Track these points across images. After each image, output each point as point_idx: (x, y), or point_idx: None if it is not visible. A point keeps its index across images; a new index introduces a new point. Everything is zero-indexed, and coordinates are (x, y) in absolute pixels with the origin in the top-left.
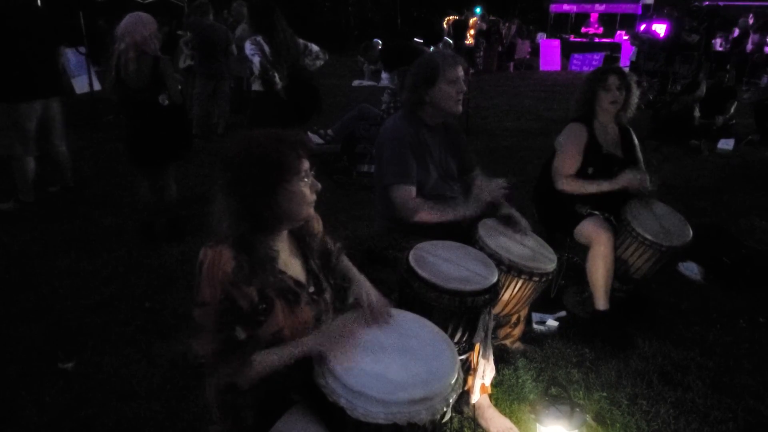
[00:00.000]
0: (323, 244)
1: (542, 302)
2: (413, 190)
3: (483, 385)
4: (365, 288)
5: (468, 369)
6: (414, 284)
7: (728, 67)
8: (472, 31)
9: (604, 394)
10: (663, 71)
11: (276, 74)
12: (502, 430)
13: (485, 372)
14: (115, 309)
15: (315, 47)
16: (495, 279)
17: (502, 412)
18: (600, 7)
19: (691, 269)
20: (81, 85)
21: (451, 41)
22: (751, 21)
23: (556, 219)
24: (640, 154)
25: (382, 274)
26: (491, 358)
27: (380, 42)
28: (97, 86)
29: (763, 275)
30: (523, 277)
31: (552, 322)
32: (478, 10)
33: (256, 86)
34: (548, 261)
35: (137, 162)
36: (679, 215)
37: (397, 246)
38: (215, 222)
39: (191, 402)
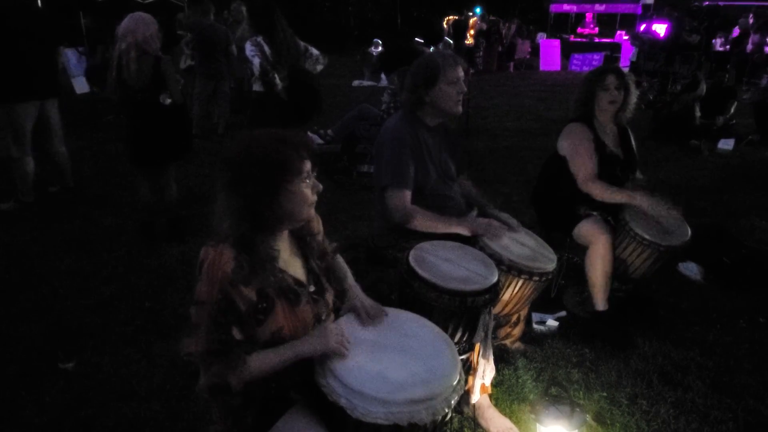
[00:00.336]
0: (321, 244)
1: (542, 302)
2: (409, 194)
3: (483, 385)
4: (359, 296)
5: (468, 369)
6: (414, 284)
7: (728, 67)
8: (472, 31)
9: (604, 394)
10: (663, 71)
11: (276, 75)
12: (502, 430)
13: (485, 372)
14: (115, 309)
15: (315, 51)
16: (495, 279)
17: (502, 412)
18: (600, 7)
19: (691, 269)
20: (81, 85)
21: (451, 41)
22: (751, 21)
23: (555, 219)
24: (636, 156)
25: (382, 274)
26: (491, 358)
27: (380, 42)
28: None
29: (763, 275)
30: (523, 276)
31: (552, 322)
32: (478, 10)
33: (256, 87)
34: (548, 261)
35: (137, 162)
36: (678, 215)
37: (397, 246)
38: (216, 221)
39: (191, 402)
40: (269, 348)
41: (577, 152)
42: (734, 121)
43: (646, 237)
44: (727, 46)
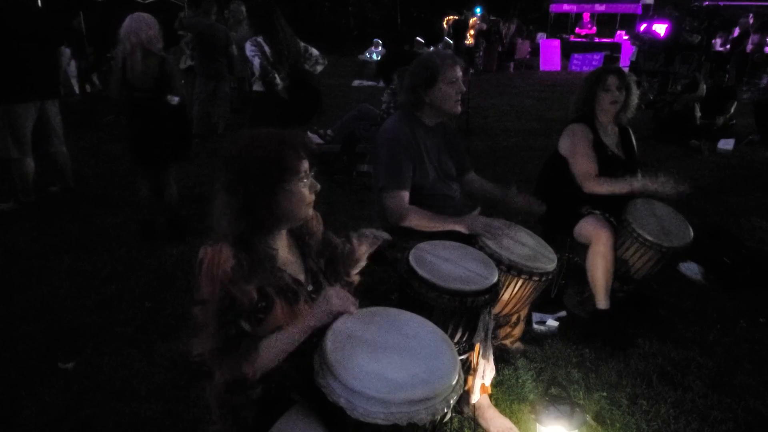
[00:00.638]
0: (325, 242)
1: (542, 302)
2: (406, 195)
3: (483, 385)
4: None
5: (468, 369)
6: (414, 284)
7: (728, 67)
8: (472, 31)
9: (604, 394)
10: (663, 71)
11: (276, 75)
12: (502, 430)
13: (485, 372)
14: (115, 309)
15: (315, 51)
16: (495, 279)
17: (502, 412)
18: (600, 7)
19: (691, 269)
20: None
21: (451, 41)
22: (751, 21)
23: (555, 219)
24: (637, 155)
25: (382, 274)
26: (491, 358)
27: (380, 42)
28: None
29: (764, 275)
30: (522, 276)
31: (552, 322)
32: (478, 10)
33: (257, 86)
34: (548, 261)
35: (139, 162)
36: (680, 216)
37: (397, 246)
38: (215, 220)
39: (191, 402)
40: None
41: (576, 152)
42: (734, 121)
43: (648, 238)
44: (727, 46)
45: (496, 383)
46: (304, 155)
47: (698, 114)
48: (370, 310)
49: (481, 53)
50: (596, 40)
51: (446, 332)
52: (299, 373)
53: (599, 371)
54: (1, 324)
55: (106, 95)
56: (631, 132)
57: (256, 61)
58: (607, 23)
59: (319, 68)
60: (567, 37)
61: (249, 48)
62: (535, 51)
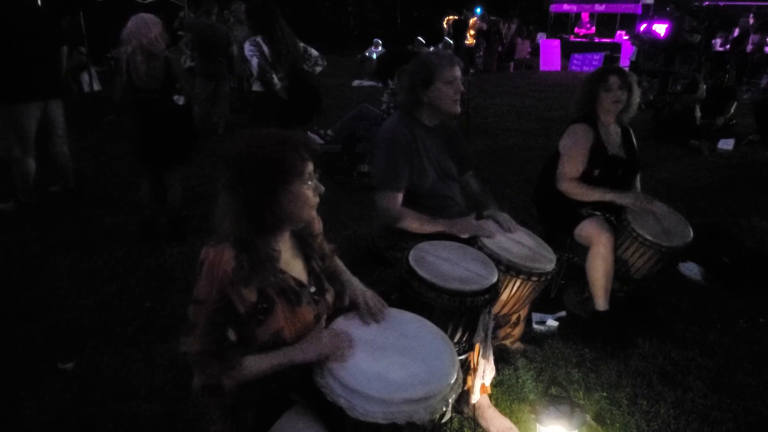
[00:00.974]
0: (320, 245)
1: (542, 302)
2: (399, 196)
3: (483, 385)
4: (359, 289)
5: (468, 369)
6: (414, 284)
7: (728, 67)
8: (472, 31)
9: (604, 394)
10: (663, 71)
11: (274, 75)
12: (502, 430)
13: (485, 372)
14: (115, 309)
15: (314, 52)
16: (495, 279)
17: (502, 412)
18: (600, 7)
19: (691, 269)
20: (89, 84)
21: (451, 41)
22: (751, 21)
23: (556, 219)
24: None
25: (382, 274)
26: (491, 358)
27: (380, 42)
28: (97, 86)
29: (763, 275)
30: (521, 276)
31: (552, 322)
32: (478, 10)
33: (256, 87)
34: (547, 261)
35: (145, 163)
36: (680, 216)
37: (397, 246)
38: (217, 221)
39: (191, 402)
40: (268, 350)
41: (570, 152)
42: (734, 121)
43: (648, 238)
44: (727, 46)
45: (496, 383)
46: (308, 157)
47: (698, 114)
48: (374, 309)
49: (481, 53)
50: (596, 40)
51: (446, 332)
52: (299, 373)
53: (599, 371)
54: (1, 324)
55: (105, 95)
56: (631, 132)
57: (255, 61)
58: (607, 23)
59: (319, 69)
60: (567, 37)
61: (248, 48)
62: (535, 51)
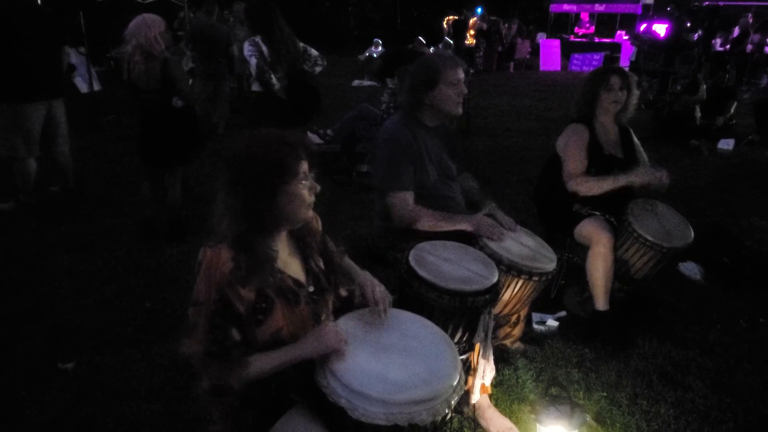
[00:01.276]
0: (323, 244)
1: (542, 302)
2: (410, 195)
3: (483, 385)
4: (369, 282)
5: (468, 369)
6: (414, 284)
7: (728, 67)
8: (472, 31)
9: (604, 394)
10: (663, 71)
11: (272, 76)
12: (502, 430)
13: (485, 372)
14: (115, 309)
15: (314, 52)
16: (495, 279)
17: (502, 412)
18: (600, 7)
19: (691, 269)
20: (81, 85)
21: (451, 41)
22: (750, 21)
23: (556, 219)
24: (644, 154)
25: (382, 274)
26: (491, 358)
27: (380, 42)
28: (97, 86)
29: (763, 275)
30: (522, 277)
31: (552, 322)
32: (478, 10)
33: (255, 87)
34: (548, 261)
35: (146, 163)
36: (681, 216)
37: (397, 246)
38: (215, 221)
39: (191, 402)
40: (269, 349)
41: (568, 152)
42: (734, 121)
43: (649, 238)
44: (727, 46)
45: (496, 383)
46: (304, 156)
47: (698, 114)
48: (370, 310)
49: (481, 53)
50: (596, 40)
51: (446, 332)
52: (299, 373)
53: (599, 371)
54: (1, 324)
55: (106, 95)
56: (632, 132)
57: (253, 61)
58: (606, 23)
59: (318, 69)
60: (567, 37)
61: (247, 48)
62: (535, 51)
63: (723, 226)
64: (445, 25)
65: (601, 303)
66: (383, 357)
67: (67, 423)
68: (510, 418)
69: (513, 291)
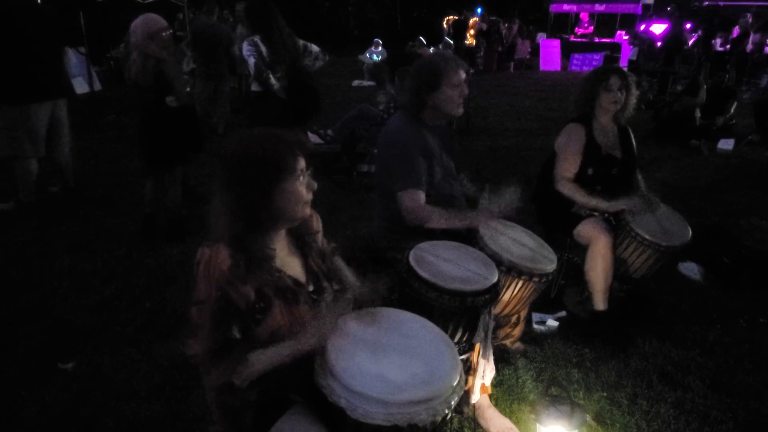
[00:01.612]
0: (320, 244)
1: (542, 302)
2: (422, 194)
3: (483, 385)
4: (354, 287)
5: (468, 369)
6: (414, 284)
7: (728, 67)
8: (472, 31)
9: (604, 394)
10: (663, 71)
11: (271, 76)
12: (502, 430)
13: (485, 372)
14: (115, 309)
15: (315, 48)
16: (495, 279)
17: (502, 412)
18: (600, 7)
19: (691, 269)
20: (81, 85)
21: (451, 41)
22: (750, 21)
23: (555, 219)
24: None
25: (382, 274)
26: (491, 358)
27: (380, 42)
28: (97, 86)
29: (763, 275)
30: (523, 277)
31: (552, 322)
32: (478, 10)
33: (254, 87)
34: (548, 261)
35: (145, 162)
36: (679, 215)
37: (397, 246)
38: (213, 220)
39: (191, 402)
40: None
41: (563, 152)
42: (734, 121)
43: (647, 237)
44: (727, 46)
45: (496, 383)
46: (300, 153)
47: (698, 114)
48: (370, 310)
49: (481, 53)
50: (596, 40)
51: (446, 332)
52: (299, 374)
53: (599, 371)
54: (1, 324)
55: (106, 95)
56: (630, 132)
57: (251, 61)
58: (606, 23)
59: (319, 63)
60: (567, 37)
61: (245, 48)
62: (535, 51)
63: (723, 226)
64: (445, 25)
65: (600, 303)
66: (383, 357)
67: (67, 423)
68: (510, 418)
69: (513, 292)
